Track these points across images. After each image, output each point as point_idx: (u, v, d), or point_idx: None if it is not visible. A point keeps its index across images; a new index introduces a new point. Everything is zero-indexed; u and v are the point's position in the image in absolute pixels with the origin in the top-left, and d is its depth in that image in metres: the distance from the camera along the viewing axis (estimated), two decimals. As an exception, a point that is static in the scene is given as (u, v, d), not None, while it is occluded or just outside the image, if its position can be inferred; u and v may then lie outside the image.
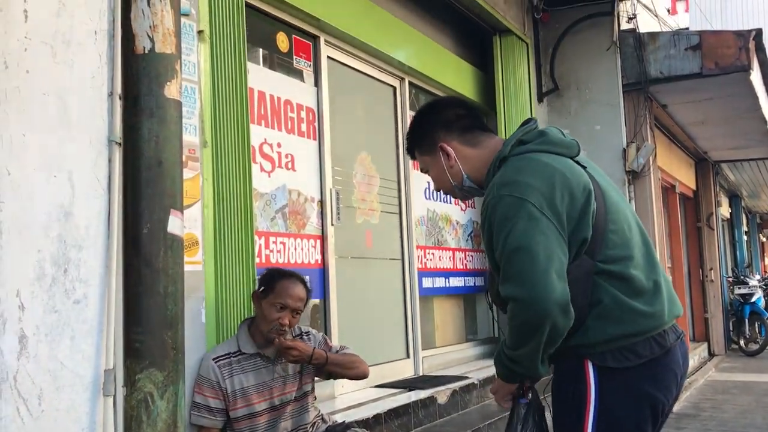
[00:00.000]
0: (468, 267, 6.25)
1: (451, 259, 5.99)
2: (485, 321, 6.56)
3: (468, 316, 6.45)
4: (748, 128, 8.73)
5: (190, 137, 2.77)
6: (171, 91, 1.77)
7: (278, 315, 2.63)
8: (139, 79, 1.76)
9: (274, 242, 3.99)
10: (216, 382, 2.64)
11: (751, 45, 6.29)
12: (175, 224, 1.75)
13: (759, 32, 6.39)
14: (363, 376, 2.93)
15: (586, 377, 1.82)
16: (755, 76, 6.57)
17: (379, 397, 4.28)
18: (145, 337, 1.70)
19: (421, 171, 2.15)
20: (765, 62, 7.03)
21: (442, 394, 4.44)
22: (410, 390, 4.52)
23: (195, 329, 2.73)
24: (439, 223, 5.88)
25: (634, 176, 6.70)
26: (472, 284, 6.31)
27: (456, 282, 6.04)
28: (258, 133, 3.95)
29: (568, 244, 1.80)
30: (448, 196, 2.16)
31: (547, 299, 1.70)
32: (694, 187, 11.02)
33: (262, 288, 2.71)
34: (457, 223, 6.16)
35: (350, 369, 2.84)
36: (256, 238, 3.79)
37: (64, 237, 2.24)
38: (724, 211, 14.70)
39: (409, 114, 5.60)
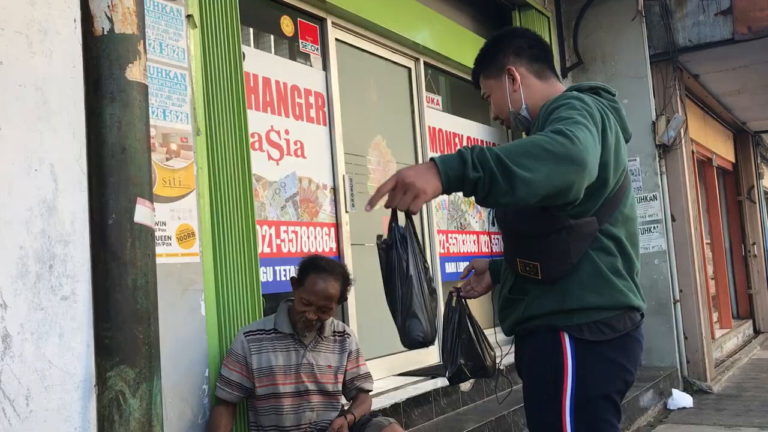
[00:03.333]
0: (494, 250, 6.10)
1: (476, 242, 5.85)
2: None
3: (496, 300, 6.30)
4: (788, 95, 8.36)
5: (182, 126, 2.69)
6: (134, 73, 1.68)
7: (304, 309, 2.57)
8: (100, 62, 1.67)
9: (285, 231, 3.91)
10: (243, 356, 2.60)
11: (786, 6, 5.97)
12: (142, 213, 1.67)
13: (793, -8, 6.06)
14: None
15: (563, 351, 1.79)
16: (791, 39, 6.25)
17: (400, 386, 4.19)
18: (115, 332, 1.63)
19: (482, 96, 2.11)
20: (802, 24, 6.68)
21: (465, 381, 4.31)
22: (433, 377, 4.41)
23: (194, 322, 2.66)
24: (462, 207, 5.73)
25: (665, 150, 6.45)
26: (499, 267, 6.15)
27: (482, 266, 5.89)
28: (264, 120, 3.86)
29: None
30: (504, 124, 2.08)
31: (591, 161, 1.57)
32: (733, 159, 10.64)
33: (296, 277, 2.65)
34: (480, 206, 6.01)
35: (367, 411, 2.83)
36: (262, 227, 3.74)
37: (48, 232, 2.17)
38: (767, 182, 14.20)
39: (426, 95, 5.46)
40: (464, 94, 6.31)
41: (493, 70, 2.03)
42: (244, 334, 2.62)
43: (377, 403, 3.70)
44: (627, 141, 1.98)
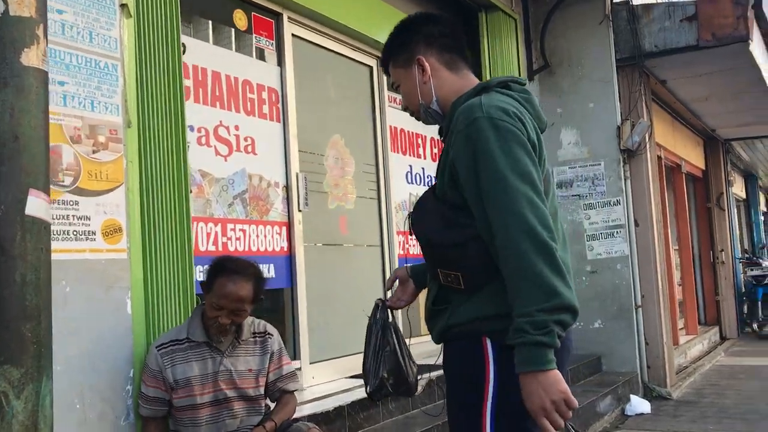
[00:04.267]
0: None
1: (437, 244, 5.79)
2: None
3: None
4: (756, 104, 8.39)
5: (112, 117, 2.61)
6: (30, 58, 1.60)
7: (216, 314, 2.46)
8: (-8, 45, 1.59)
9: (232, 229, 3.83)
10: (158, 371, 2.50)
11: (750, 14, 5.99)
12: (35, 206, 1.58)
13: (758, 1, 6.08)
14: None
15: (485, 357, 1.72)
16: (756, 47, 6.27)
17: (348, 388, 4.11)
18: (0, 331, 1.54)
19: (392, 86, 2.02)
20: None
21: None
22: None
23: (119, 321, 2.57)
24: (423, 208, 5.67)
25: (630, 155, 6.44)
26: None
27: (443, 268, 5.83)
28: (212, 115, 3.78)
29: None
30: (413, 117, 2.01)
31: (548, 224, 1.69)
32: (703, 166, 10.69)
33: (205, 281, 2.54)
34: (444, 207, 5.95)
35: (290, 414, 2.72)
36: (207, 224, 3.66)
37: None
38: (739, 191, 14.31)
39: (388, 95, 5.41)
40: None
41: (403, 58, 1.93)
42: (156, 347, 2.51)
43: (320, 406, 3.63)
44: (542, 130, 1.90)
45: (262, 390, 2.62)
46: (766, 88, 7.50)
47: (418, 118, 2.05)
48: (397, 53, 1.96)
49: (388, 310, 2.16)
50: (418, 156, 5.69)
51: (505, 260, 1.63)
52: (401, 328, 2.21)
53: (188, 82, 3.66)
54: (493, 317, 1.72)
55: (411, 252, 5.41)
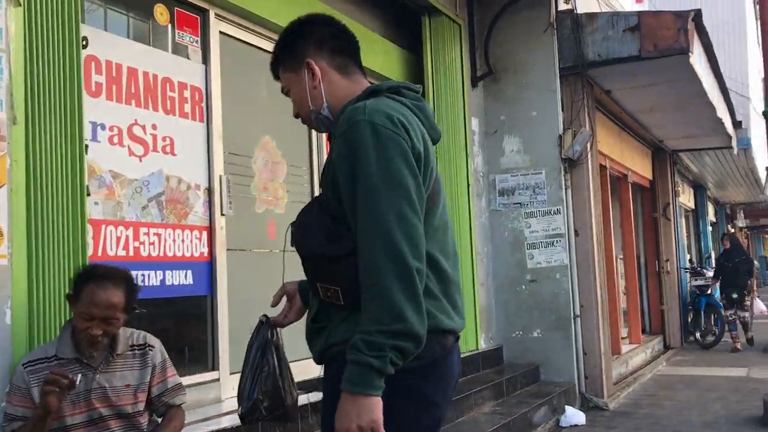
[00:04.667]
0: (395, 259, 5.93)
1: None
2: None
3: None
4: (699, 116, 8.48)
5: (-7, 113, 2.42)
6: None
7: (87, 325, 2.28)
8: None
9: (146, 233, 3.65)
10: (25, 389, 2.31)
11: (690, 26, 6.01)
12: None
13: (698, 13, 6.11)
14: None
15: None
16: (696, 60, 6.30)
17: (268, 401, 3.95)
18: None
19: (282, 91, 1.90)
20: (709, 45, 6.77)
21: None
22: (308, 392, 4.20)
23: (-4, 332, 2.39)
24: (360, 213, 5.55)
25: (571, 164, 6.42)
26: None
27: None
28: (126, 114, 3.60)
29: None
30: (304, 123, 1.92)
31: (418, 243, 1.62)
32: (650, 176, 10.78)
33: (72, 293, 2.36)
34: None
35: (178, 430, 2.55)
36: (117, 228, 3.48)
37: None
38: (688, 201, 14.52)
39: (324, 97, 5.27)
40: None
41: (292, 62, 1.83)
42: (23, 365, 2.32)
43: (233, 420, 3.47)
44: (435, 141, 1.82)
45: (141, 406, 2.45)
46: (708, 101, 7.56)
47: (309, 126, 1.94)
48: (286, 57, 1.86)
49: (273, 328, 2.02)
50: (356, 160, 5.56)
51: (363, 274, 1.53)
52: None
53: (100, 78, 3.47)
54: None
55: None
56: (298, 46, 1.82)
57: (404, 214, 1.52)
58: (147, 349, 2.49)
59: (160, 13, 3.92)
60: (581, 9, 6.53)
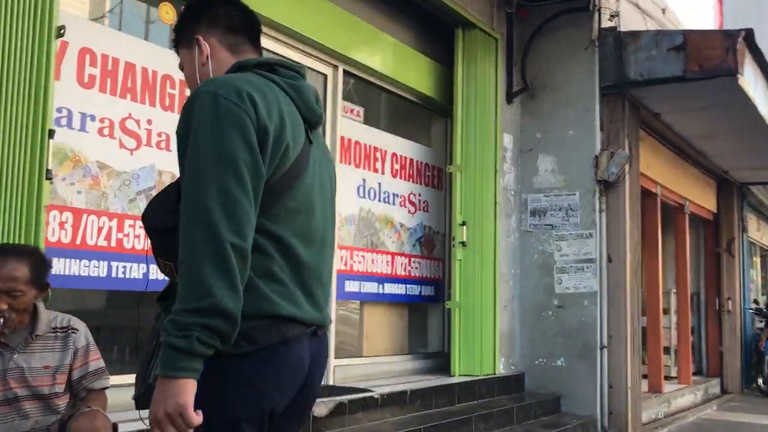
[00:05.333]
0: (413, 274, 5.82)
1: (389, 263, 5.57)
2: (436, 334, 6.10)
3: (413, 326, 6.00)
4: (763, 145, 7.97)
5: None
6: None
7: None
8: None
9: (131, 225, 3.67)
10: None
11: (741, 46, 5.66)
12: None
13: (750, 32, 5.75)
14: None
15: None
16: (746, 82, 5.91)
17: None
18: None
19: (179, 67, 1.85)
20: (765, 66, 6.36)
21: (322, 406, 4.02)
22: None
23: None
24: (376, 224, 5.47)
25: (607, 186, 6.13)
26: (417, 293, 5.86)
27: (394, 289, 5.61)
28: (120, 107, 3.66)
29: None
30: None
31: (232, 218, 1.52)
32: (714, 209, 10.22)
33: None
34: (402, 226, 5.74)
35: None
36: (100, 218, 3.52)
37: None
38: (761, 238, 13.68)
39: (343, 105, 5.25)
40: (398, 109, 6.08)
41: (186, 38, 1.78)
42: None
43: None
44: (314, 123, 1.74)
45: (59, 388, 2.43)
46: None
47: None
48: (182, 33, 1.82)
49: None
50: (375, 170, 5.49)
51: (180, 248, 1.44)
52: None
53: (94, 71, 3.55)
54: None
55: (355, 269, 5.21)
56: (192, 22, 1.78)
57: (227, 189, 1.44)
58: (70, 331, 2.47)
59: (166, 11, 3.98)
60: (625, 27, 6.27)
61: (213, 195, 1.44)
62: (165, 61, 3.89)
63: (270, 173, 1.54)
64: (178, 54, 1.87)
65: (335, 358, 4.91)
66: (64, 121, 3.39)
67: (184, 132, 1.53)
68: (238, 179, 1.45)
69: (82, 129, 3.48)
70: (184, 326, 1.38)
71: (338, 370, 4.93)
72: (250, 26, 1.80)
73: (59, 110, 3.36)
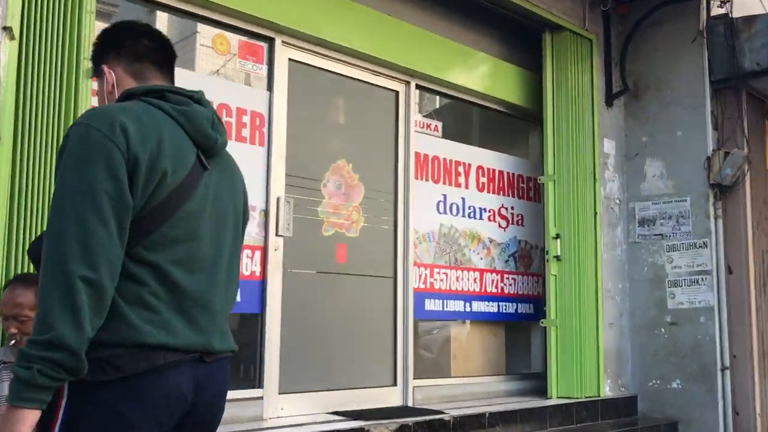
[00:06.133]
0: (507, 291, 5.59)
1: (478, 281, 5.39)
2: (539, 354, 5.80)
3: (511, 346, 5.75)
4: None
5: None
6: None
7: (6, 324, 2.50)
8: None
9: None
10: None
11: None
12: None
13: None
14: None
15: (60, 390, 1.50)
16: None
17: (300, 423, 3.92)
18: None
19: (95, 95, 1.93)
20: None
21: (383, 428, 3.95)
22: (354, 419, 4.09)
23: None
24: (460, 240, 5.32)
25: (723, 190, 5.55)
26: (513, 311, 5.62)
27: (484, 307, 5.41)
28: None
29: None
30: None
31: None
32: None
33: None
34: (491, 242, 5.54)
35: None
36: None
37: None
38: None
39: (416, 120, 5.18)
40: (482, 121, 5.91)
41: (96, 68, 1.83)
42: None
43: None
44: (208, 148, 1.71)
45: None
46: None
47: None
48: (94, 62, 1.87)
49: None
50: (458, 185, 5.36)
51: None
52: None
53: (148, 105, 3.77)
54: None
55: (436, 287, 5.09)
56: (101, 52, 1.82)
57: (84, 220, 1.45)
58: None
59: (220, 43, 4.15)
60: (737, 13, 5.68)
61: (69, 227, 1.46)
62: (220, 92, 4.04)
63: (144, 201, 1.55)
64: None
65: (414, 378, 4.81)
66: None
67: (57, 161, 1.57)
68: (98, 211, 1.47)
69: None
70: (28, 358, 1.41)
71: (418, 391, 4.82)
72: (157, 52, 1.81)
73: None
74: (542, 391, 5.46)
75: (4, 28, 2.82)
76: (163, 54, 1.83)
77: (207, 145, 1.71)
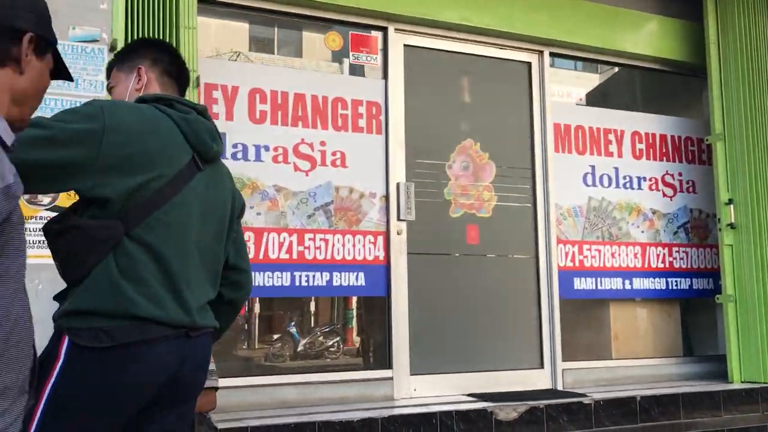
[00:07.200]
0: (677, 266, 5.11)
1: (639, 256, 4.99)
2: (712, 334, 5.22)
3: (687, 325, 5.23)
4: None
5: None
6: None
7: None
8: None
9: (311, 239, 4.06)
10: None
11: None
12: None
13: None
14: None
15: (59, 349, 1.73)
16: None
17: (427, 403, 3.94)
18: None
19: (107, 87, 2.21)
20: None
21: (509, 410, 3.84)
22: (485, 401, 4.02)
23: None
24: (614, 213, 4.97)
25: None
26: (686, 287, 5.12)
27: (649, 284, 5.00)
28: (292, 135, 4.09)
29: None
30: None
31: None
32: None
33: None
34: (654, 213, 5.09)
35: None
36: (280, 234, 3.98)
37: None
38: None
39: (556, 90, 4.94)
40: (633, 82, 5.45)
41: (127, 65, 2.08)
42: None
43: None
44: (204, 153, 1.94)
45: None
46: None
47: None
48: (123, 60, 2.13)
49: None
50: (609, 154, 5.01)
51: None
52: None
53: (264, 107, 4.06)
54: (74, 314, 1.74)
55: (586, 264, 4.81)
56: (137, 56, 2.09)
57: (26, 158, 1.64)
58: None
59: (332, 39, 4.33)
60: None
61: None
62: (335, 86, 4.22)
63: (142, 181, 1.77)
64: (109, 73, 2.17)
65: (563, 360, 4.60)
66: (239, 155, 3.96)
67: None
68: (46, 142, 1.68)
69: (257, 159, 4.00)
70: None
71: (568, 374, 4.59)
72: (180, 75, 2.13)
73: (234, 146, 3.95)
74: (722, 375, 4.90)
75: (111, 50, 3.23)
76: (182, 77, 2.14)
77: (203, 150, 1.93)
